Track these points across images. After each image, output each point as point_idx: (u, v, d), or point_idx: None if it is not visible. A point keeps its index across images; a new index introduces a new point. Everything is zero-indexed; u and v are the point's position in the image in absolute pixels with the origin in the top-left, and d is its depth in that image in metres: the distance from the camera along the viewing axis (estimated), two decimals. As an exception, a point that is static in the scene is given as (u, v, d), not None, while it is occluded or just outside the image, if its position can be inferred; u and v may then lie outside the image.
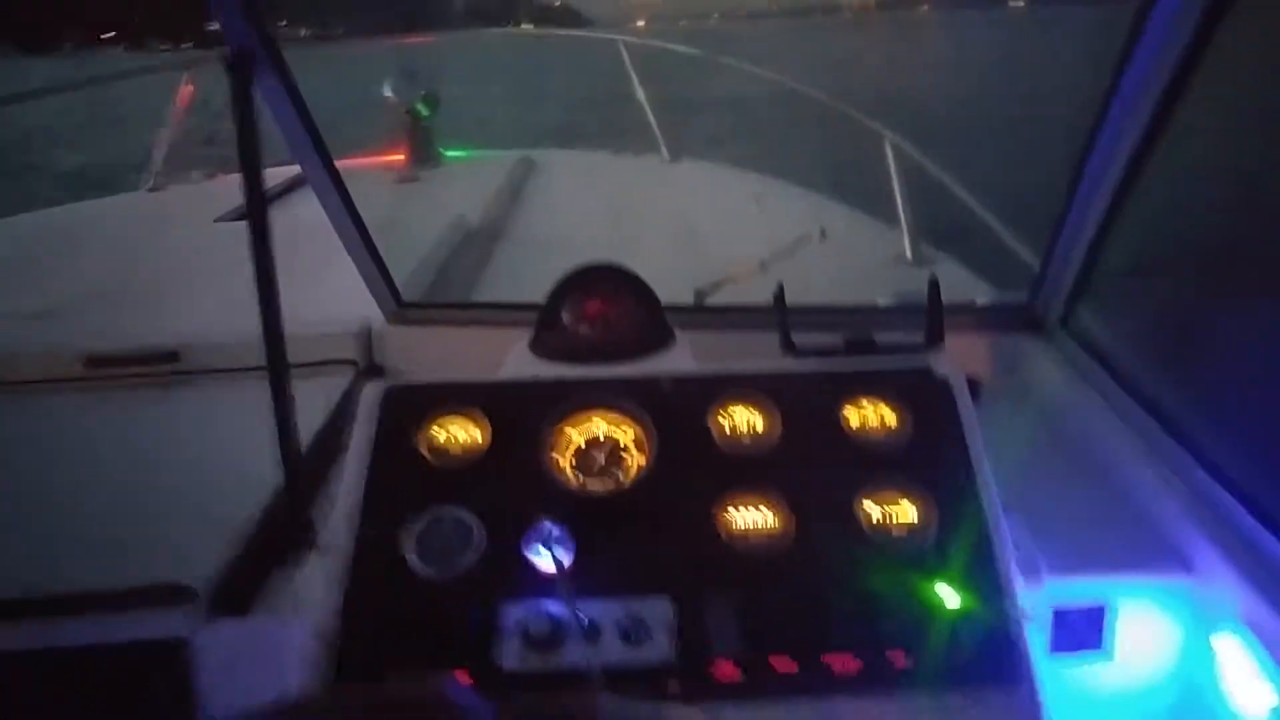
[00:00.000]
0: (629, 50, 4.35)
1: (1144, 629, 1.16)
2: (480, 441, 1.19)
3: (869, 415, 1.20)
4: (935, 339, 1.33)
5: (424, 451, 1.18)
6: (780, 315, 1.38)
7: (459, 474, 1.16)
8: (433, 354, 1.78)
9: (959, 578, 1.04)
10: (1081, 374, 1.51)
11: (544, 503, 1.11)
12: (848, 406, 1.20)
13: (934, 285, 1.35)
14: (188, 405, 1.70)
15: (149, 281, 2.37)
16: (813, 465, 1.15)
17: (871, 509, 1.11)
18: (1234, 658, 1.05)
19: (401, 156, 4.61)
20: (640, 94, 4.24)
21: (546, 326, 1.39)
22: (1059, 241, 1.50)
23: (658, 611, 1.03)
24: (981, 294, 2.39)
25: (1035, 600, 1.07)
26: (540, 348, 1.37)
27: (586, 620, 1.01)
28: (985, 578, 1.05)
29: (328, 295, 1.87)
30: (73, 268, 2.56)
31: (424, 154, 4.65)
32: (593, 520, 1.09)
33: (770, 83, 4.19)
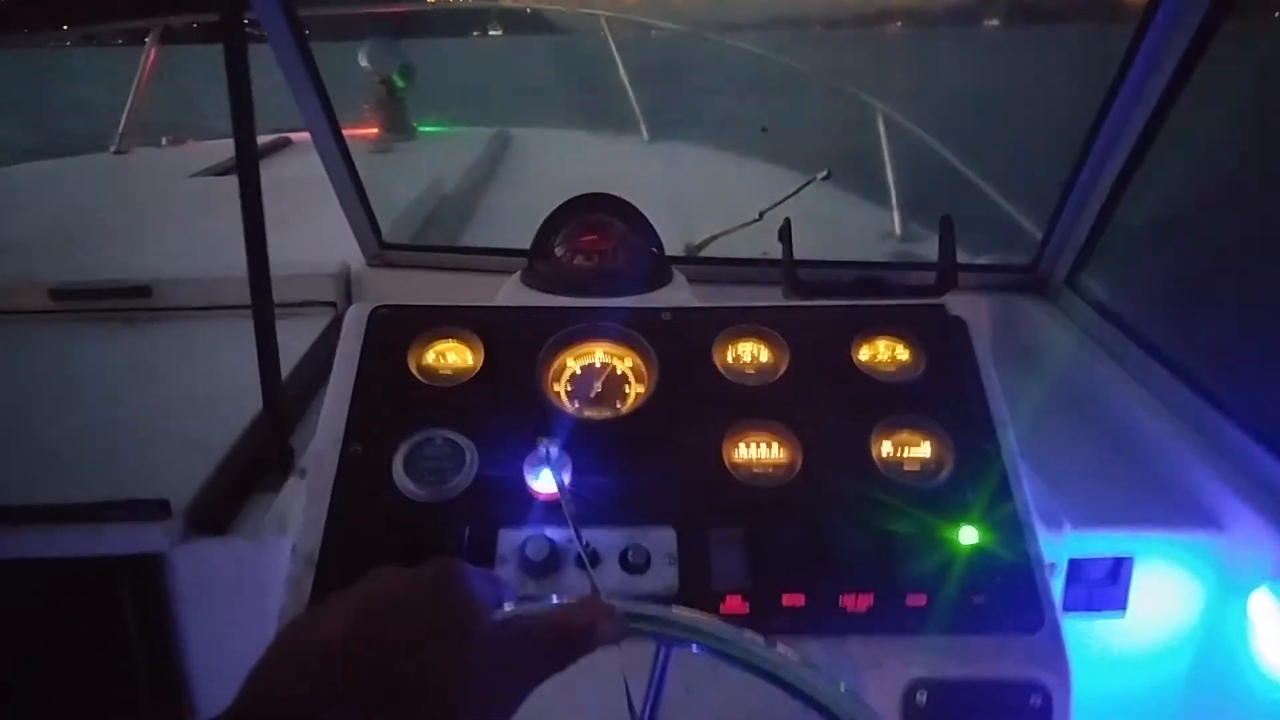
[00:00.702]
0: (610, 28, 4.29)
1: (1165, 586, 1.11)
2: (472, 364, 1.13)
3: (881, 352, 1.15)
4: (948, 282, 1.29)
5: (413, 371, 1.11)
6: (787, 253, 1.33)
7: (450, 396, 1.09)
8: (415, 299, 1.70)
9: (977, 519, 0.99)
10: (1091, 334, 1.48)
11: (540, 427, 1.04)
12: (859, 342, 1.15)
13: (948, 225, 1.31)
14: (161, 341, 1.60)
15: (120, 223, 2.26)
16: (822, 400, 1.09)
17: (884, 444, 1.06)
18: (1268, 616, 1.01)
19: (375, 129, 4.51)
20: (622, 71, 4.17)
21: (540, 257, 1.32)
22: (1068, 202, 1.47)
23: (660, 541, 0.97)
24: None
25: (1056, 551, 1.02)
26: (534, 280, 1.31)
27: (588, 544, 0.95)
28: (1005, 521, 0.99)
29: (303, 249, 1.80)
30: (39, 211, 2.44)
31: (398, 125, 4.54)
32: (591, 446, 1.03)
33: (755, 58, 4.14)
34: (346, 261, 1.74)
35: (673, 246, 2.14)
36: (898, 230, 2.64)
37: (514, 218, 2.69)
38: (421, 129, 4.76)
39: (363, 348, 1.13)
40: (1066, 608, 1.08)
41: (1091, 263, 1.53)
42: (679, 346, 1.13)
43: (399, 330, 1.15)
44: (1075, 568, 1.08)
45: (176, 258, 1.88)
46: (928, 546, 0.97)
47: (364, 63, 4.29)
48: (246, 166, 1.06)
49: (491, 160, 3.76)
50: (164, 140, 4.32)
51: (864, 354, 1.15)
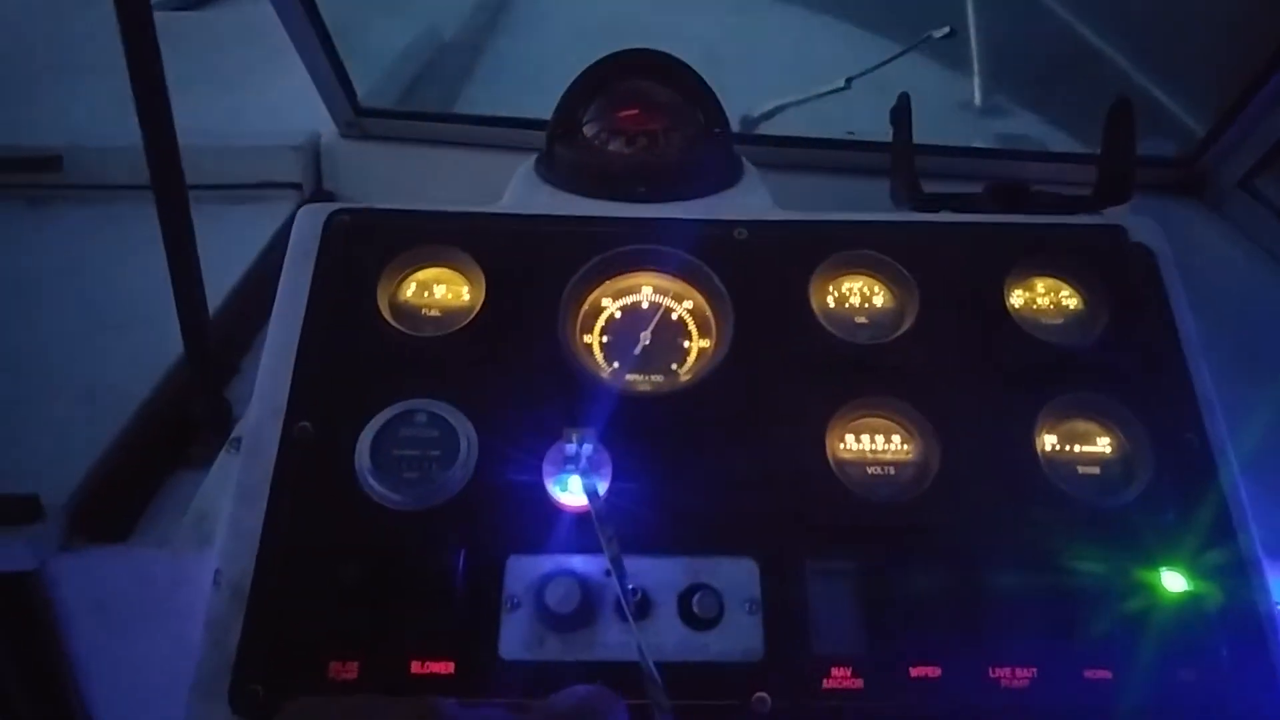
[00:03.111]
0: None
1: None
2: (468, 301, 0.80)
3: (1041, 296, 0.83)
4: (1119, 191, 0.94)
5: (386, 312, 0.79)
6: (902, 143, 0.98)
7: (438, 349, 0.77)
8: (401, 181, 1.36)
9: (1186, 555, 0.69)
10: (1270, 250, 1.14)
11: (564, 401, 0.73)
12: (1012, 283, 0.82)
13: (1123, 109, 0.94)
14: (68, 231, 1.26)
15: (43, 65, 1.85)
16: (964, 367, 0.78)
17: (1049, 437, 0.75)
18: None
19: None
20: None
21: (562, 140, 0.97)
22: (1266, 87, 1.09)
23: (737, 579, 0.68)
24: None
25: None
26: (554, 171, 0.96)
27: (634, 589, 0.65)
28: (1224, 556, 0.70)
29: (274, 110, 1.43)
30: None
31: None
32: (637, 432, 0.72)
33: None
34: (316, 131, 1.37)
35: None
36: (978, 100, 2.22)
37: (524, 74, 2.28)
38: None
39: (315, 273, 0.81)
40: None
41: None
42: (761, 281, 0.81)
43: (366, 248, 0.82)
44: None
45: (102, 119, 1.50)
46: (1114, 596, 0.68)
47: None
48: None
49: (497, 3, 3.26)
50: None
51: (1018, 298, 0.83)
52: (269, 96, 1.50)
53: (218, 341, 0.91)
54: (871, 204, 1.05)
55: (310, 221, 0.83)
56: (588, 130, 0.98)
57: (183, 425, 0.89)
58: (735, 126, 1.55)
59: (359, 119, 1.35)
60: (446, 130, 1.36)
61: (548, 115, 0.99)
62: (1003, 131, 2.16)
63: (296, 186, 1.35)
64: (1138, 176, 1.20)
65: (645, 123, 0.96)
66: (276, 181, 1.34)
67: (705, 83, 0.98)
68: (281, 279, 0.81)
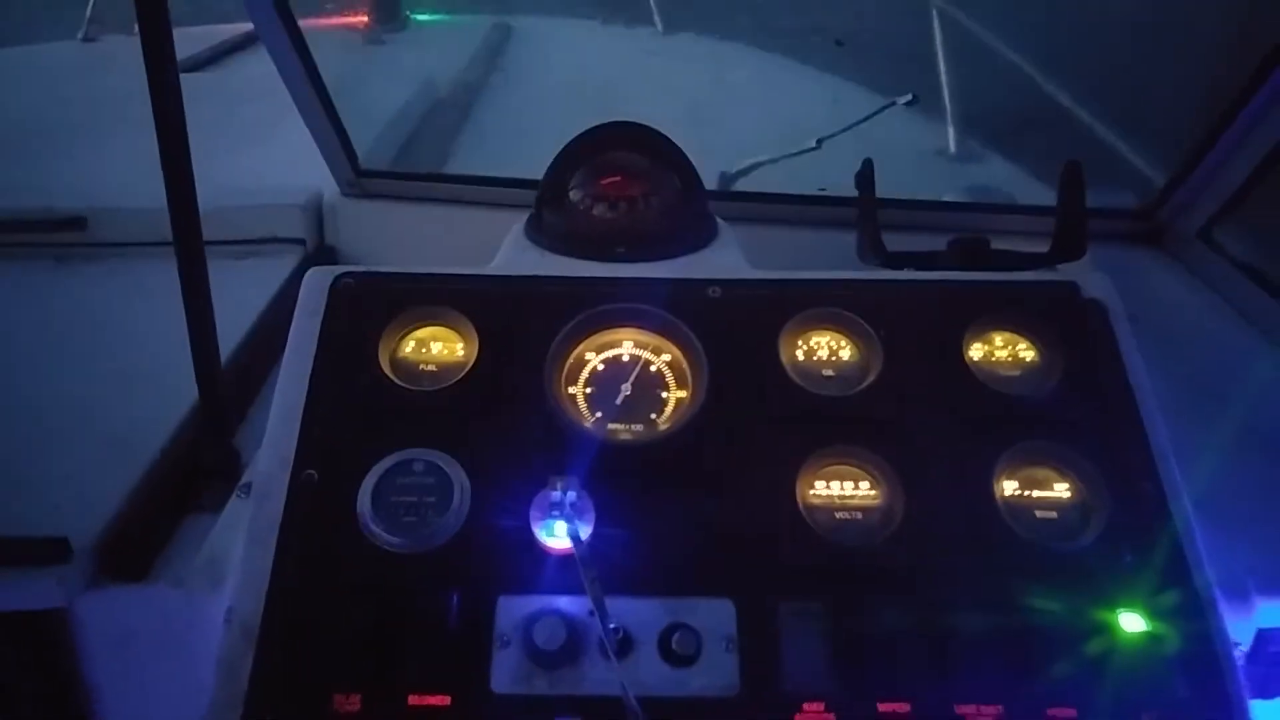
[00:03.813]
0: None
1: None
2: (462, 357, 0.87)
3: (999, 348, 0.89)
4: (1073, 247, 1.01)
5: (386, 368, 0.85)
6: (867, 205, 1.05)
7: (434, 402, 0.83)
8: (398, 237, 1.43)
9: (1143, 596, 0.74)
10: (1236, 303, 1.21)
11: (550, 448, 0.79)
12: (971, 337, 0.88)
13: (1073, 170, 1.02)
14: (90, 286, 1.32)
15: (62, 133, 1.93)
16: (927, 416, 0.84)
17: (1008, 482, 0.81)
18: None
19: (363, 17, 4.09)
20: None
21: (550, 205, 1.04)
22: (1223, 138, 1.16)
23: (715, 618, 0.73)
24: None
25: (1241, 629, 0.78)
26: (542, 234, 1.03)
27: (616, 628, 0.70)
28: (1181, 597, 0.75)
29: (280, 166, 1.50)
30: None
31: (389, 13, 4.12)
32: (619, 479, 0.78)
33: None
34: (319, 189, 1.44)
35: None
36: (952, 147, 2.31)
37: (514, 131, 2.36)
38: (416, 17, 4.34)
39: (321, 332, 0.87)
40: (1252, 694, 0.85)
41: (1240, 212, 1.24)
42: (734, 336, 0.87)
43: (368, 309, 0.88)
44: (1262, 642, 0.83)
45: (123, 180, 1.57)
46: (1076, 636, 0.72)
47: (349, -61, 3.84)
48: (158, 65, 0.79)
49: (489, 57, 3.37)
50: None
51: (977, 351, 0.89)
52: (274, 152, 1.57)
53: (228, 391, 0.97)
54: (841, 257, 1.12)
55: (317, 284, 0.89)
56: (573, 195, 1.04)
57: (195, 471, 0.94)
58: (714, 183, 1.64)
59: (359, 179, 1.42)
60: (441, 189, 1.44)
61: (537, 173, 1.06)
62: (976, 177, 2.25)
63: (300, 242, 1.42)
64: (1100, 227, 1.28)
65: (626, 189, 1.03)
66: (282, 237, 1.41)
67: (681, 151, 1.05)
68: (290, 337, 0.87)
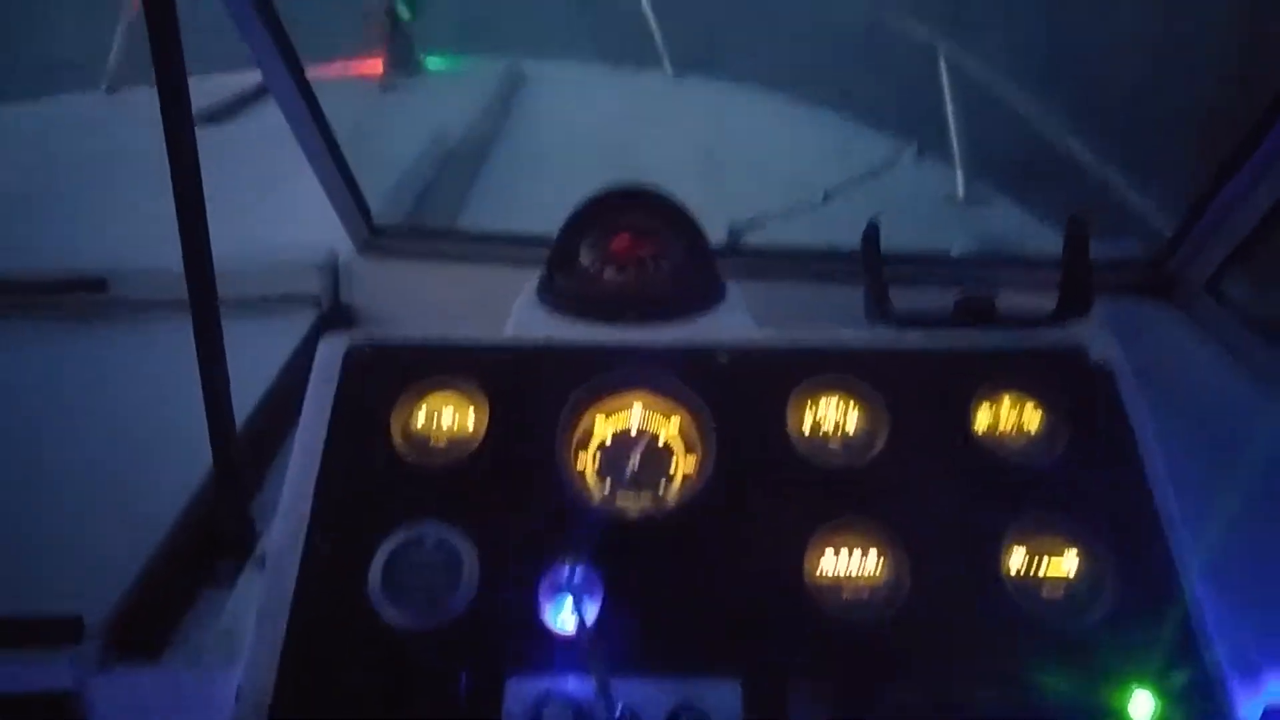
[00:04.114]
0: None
1: None
2: (473, 430, 0.88)
3: (1006, 416, 0.89)
4: (1078, 305, 1.01)
5: (398, 440, 0.86)
6: (873, 266, 1.06)
7: (444, 474, 0.84)
8: (412, 295, 1.45)
9: (1152, 675, 0.73)
10: (1244, 357, 1.20)
11: (560, 523, 0.80)
12: (978, 403, 0.88)
13: (1078, 227, 1.02)
14: (109, 348, 1.35)
15: (81, 191, 1.98)
16: (934, 486, 0.84)
17: (1015, 555, 0.80)
18: None
19: (377, 64, 4.17)
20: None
21: (561, 268, 1.05)
22: (1226, 188, 1.17)
23: (722, 700, 0.73)
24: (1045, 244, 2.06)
25: (1250, 709, 0.77)
26: (552, 297, 1.04)
27: (623, 710, 0.70)
28: (1192, 677, 0.74)
29: (295, 220, 1.52)
30: None
31: (403, 61, 4.19)
32: (627, 554, 0.79)
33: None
34: (334, 249, 1.47)
35: (710, 220, 1.86)
36: (960, 192, 2.32)
37: (529, 180, 2.39)
38: (430, 62, 4.41)
39: (335, 403, 0.88)
40: None
41: (1249, 264, 1.24)
42: (741, 402, 0.88)
43: (382, 377, 0.89)
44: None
45: (144, 239, 1.60)
46: (1084, 716, 0.72)
47: (365, -10, 3.93)
48: (175, 120, 0.80)
49: (502, 105, 3.42)
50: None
51: (984, 419, 0.89)
52: (292, 206, 1.59)
53: (243, 457, 0.98)
54: (848, 312, 1.12)
55: (330, 353, 0.91)
56: (584, 258, 1.06)
57: (210, 541, 0.95)
58: (722, 235, 1.66)
59: (373, 237, 1.44)
60: (455, 247, 1.46)
61: (550, 227, 1.07)
62: (985, 222, 2.26)
63: (317, 300, 1.44)
64: (1108, 279, 1.27)
65: (634, 252, 1.04)
66: (298, 294, 1.43)
67: (688, 214, 1.06)
68: (304, 408, 0.89)
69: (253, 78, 2.87)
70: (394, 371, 0.89)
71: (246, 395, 1.18)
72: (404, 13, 4.10)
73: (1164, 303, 1.34)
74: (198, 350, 0.88)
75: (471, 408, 0.89)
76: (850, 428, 0.89)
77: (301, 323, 1.38)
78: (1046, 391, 0.89)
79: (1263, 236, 1.20)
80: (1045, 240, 2.09)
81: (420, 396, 0.89)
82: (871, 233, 1.07)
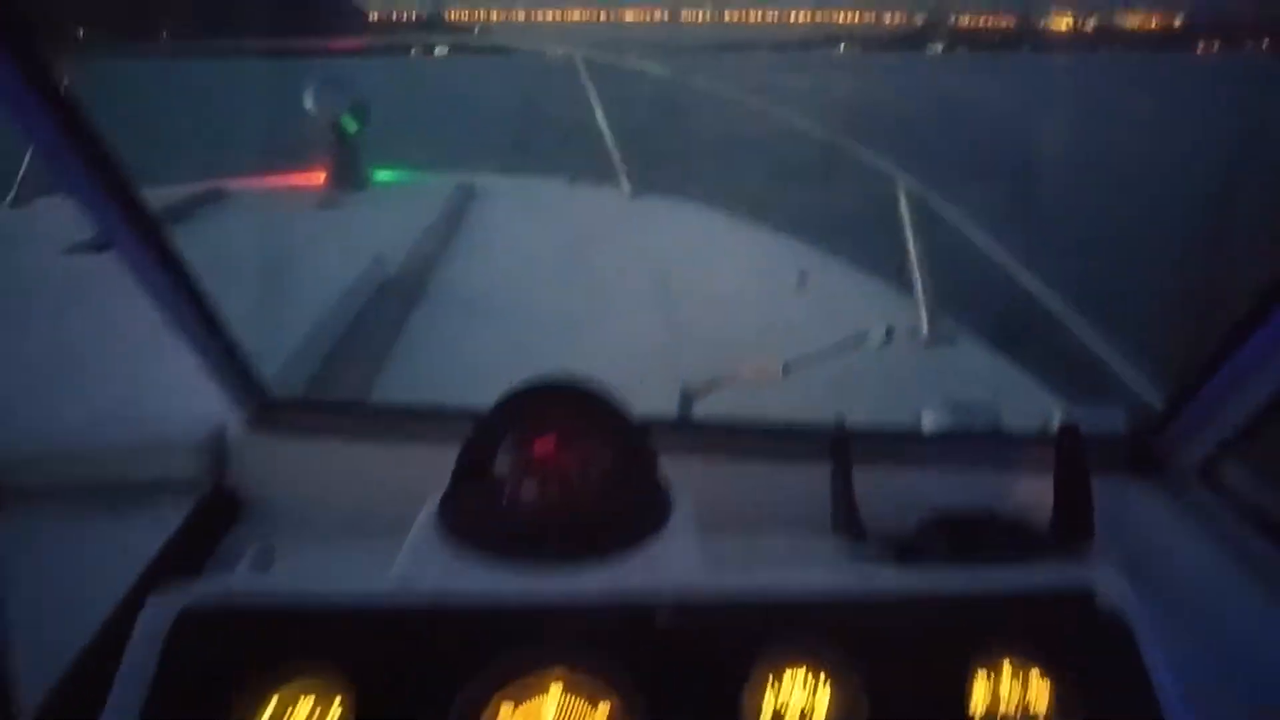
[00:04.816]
0: (587, 68, 3.86)
1: None
2: (338, 726, 0.67)
3: (1010, 692, 0.71)
4: (1078, 525, 0.86)
5: None
6: (842, 475, 0.89)
7: None
8: (310, 477, 1.25)
9: None
10: (1243, 554, 1.06)
11: None
12: (975, 670, 0.71)
13: (1070, 436, 0.87)
14: None
15: None
16: None
17: None
18: None
19: (320, 177, 4.06)
20: (600, 116, 3.74)
21: (468, 484, 0.87)
22: (1219, 372, 1.04)
23: None
24: (1016, 391, 1.95)
25: None
26: (456, 521, 0.85)
27: None
28: None
29: (180, 386, 1.32)
30: None
31: (347, 175, 4.10)
32: None
33: (749, 112, 3.69)
34: (221, 423, 1.27)
35: (664, 361, 1.71)
36: (925, 330, 2.21)
37: (466, 326, 2.22)
38: (377, 176, 4.32)
39: (154, 684, 0.68)
40: None
41: (1247, 453, 1.10)
42: (687, 682, 0.69)
43: (219, 655, 0.69)
44: None
45: (22, 407, 1.38)
46: None
47: (309, 105, 3.85)
48: None
49: (448, 225, 3.30)
50: None
51: (980, 696, 0.71)
52: (175, 366, 1.40)
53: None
54: (811, 504, 0.96)
55: (153, 625, 0.71)
56: (499, 467, 0.88)
57: None
58: (675, 401, 1.50)
59: (266, 411, 1.25)
60: (362, 423, 1.27)
61: (470, 399, 0.90)
62: (949, 361, 2.15)
63: (195, 486, 1.23)
64: (1094, 457, 1.12)
65: (560, 461, 0.87)
66: (173, 481, 1.22)
67: (627, 414, 0.90)
68: (114, 685, 0.68)
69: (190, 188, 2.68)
70: (239, 648, 0.69)
71: (89, 616, 0.97)
72: (350, 125, 4.02)
73: (1154, 485, 1.19)
74: None
75: (339, 697, 0.69)
76: (821, 709, 0.70)
77: (175, 516, 1.17)
78: (1053, 654, 0.72)
79: (1262, 424, 1.07)
80: (1013, 381, 1.98)
81: (271, 687, 0.69)
82: (841, 442, 0.91)
